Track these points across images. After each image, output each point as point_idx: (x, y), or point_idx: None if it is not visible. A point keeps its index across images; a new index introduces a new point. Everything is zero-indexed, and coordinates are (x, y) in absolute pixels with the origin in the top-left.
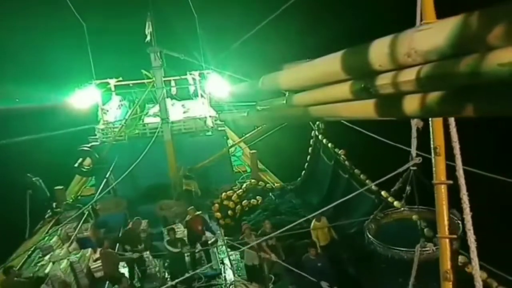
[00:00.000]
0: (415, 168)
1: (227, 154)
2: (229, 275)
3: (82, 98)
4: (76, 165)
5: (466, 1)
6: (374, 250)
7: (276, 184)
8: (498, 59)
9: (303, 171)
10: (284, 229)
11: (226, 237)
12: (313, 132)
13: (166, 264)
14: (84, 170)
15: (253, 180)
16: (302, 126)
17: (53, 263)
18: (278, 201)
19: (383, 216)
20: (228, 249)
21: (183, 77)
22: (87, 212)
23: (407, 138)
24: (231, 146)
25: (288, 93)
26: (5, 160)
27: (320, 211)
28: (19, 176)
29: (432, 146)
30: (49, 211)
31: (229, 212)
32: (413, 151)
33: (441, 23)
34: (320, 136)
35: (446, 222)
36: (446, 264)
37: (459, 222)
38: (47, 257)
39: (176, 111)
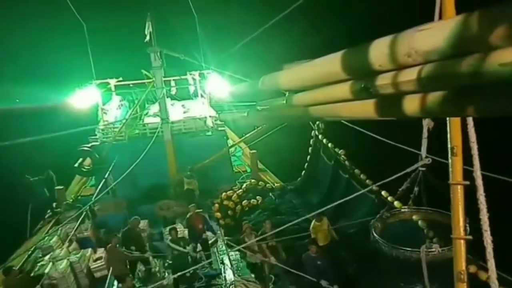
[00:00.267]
0: (424, 168)
1: (227, 154)
2: (229, 275)
3: (82, 98)
4: (76, 165)
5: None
6: (378, 249)
7: (276, 184)
8: (499, 59)
9: (303, 171)
10: (282, 227)
11: (226, 237)
12: (313, 132)
13: (166, 264)
14: (84, 170)
15: (253, 180)
16: (302, 126)
17: (53, 263)
18: (278, 201)
19: (390, 215)
20: (228, 249)
21: (183, 77)
22: (86, 212)
23: (407, 139)
24: (231, 146)
25: (288, 93)
26: (5, 160)
27: (320, 210)
28: (19, 176)
29: (449, 146)
30: (49, 211)
31: (229, 212)
32: (423, 151)
33: (442, 23)
34: (320, 136)
35: (461, 223)
36: (461, 265)
37: (467, 225)
38: (47, 257)
39: (176, 111)
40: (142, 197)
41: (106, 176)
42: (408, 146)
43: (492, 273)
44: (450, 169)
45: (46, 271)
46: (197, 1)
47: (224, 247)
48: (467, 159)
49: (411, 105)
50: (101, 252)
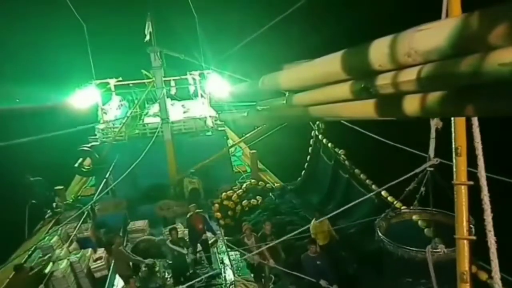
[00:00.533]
0: (432, 169)
1: (227, 154)
2: (229, 275)
3: (82, 98)
4: (76, 165)
5: None
6: (382, 248)
7: (276, 184)
8: (499, 59)
9: (303, 171)
10: (285, 237)
11: (226, 237)
12: (313, 132)
13: (166, 264)
14: (84, 170)
15: (253, 180)
16: (302, 126)
17: (53, 263)
18: (278, 201)
19: (395, 215)
20: (228, 249)
21: (183, 77)
22: (86, 212)
23: (407, 139)
24: (231, 146)
25: (288, 93)
26: (5, 160)
27: (324, 218)
28: (19, 176)
29: (453, 146)
30: (49, 211)
31: (229, 212)
32: (431, 151)
33: (441, 23)
34: (320, 136)
35: (465, 224)
36: (464, 265)
37: (472, 226)
38: (47, 257)
39: (176, 111)
40: (142, 197)
41: (106, 176)
42: (409, 147)
43: (495, 274)
44: (454, 169)
45: (46, 271)
46: (197, 1)
47: (224, 247)
48: (471, 160)
49: (411, 105)
50: (101, 252)
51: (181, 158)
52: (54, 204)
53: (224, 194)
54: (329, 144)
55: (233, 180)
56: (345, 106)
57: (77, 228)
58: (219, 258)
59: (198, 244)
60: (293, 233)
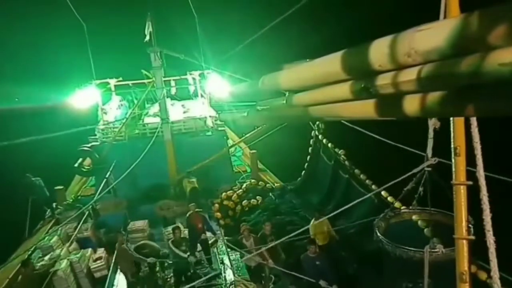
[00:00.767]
0: (430, 169)
1: (227, 154)
2: (229, 275)
3: (82, 98)
4: (76, 165)
5: None
6: (380, 248)
7: (276, 184)
8: (499, 59)
9: (303, 171)
10: (285, 238)
11: (226, 237)
12: (313, 132)
13: (166, 264)
14: (84, 170)
15: (253, 180)
16: (302, 126)
17: (53, 263)
18: (278, 201)
19: (393, 215)
20: (228, 249)
21: (183, 77)
22: (87, 212)
23: (407, 139)
24: (231, 146)
25: (288, 93)
26: (5, 160)
27: (324, 218)
28: (19, 176)
29: (452, 146)
30: (49, 211)
31: (229, 212)
32: (429, 151)
33: (441, 23)
34: (320, 136)
35: (464, 224)
36: (463, 265)
37: (471, 226)
38: (47, 257)
39: (176, 111)
40: (142, 197)
41: (106, 176)
42: (408, 146)
43: (494, 274)
44: (453, 169)
45: (47, 270)
46: (197, 1)
47: (224, 248)
48: (470, 159)
49: (411, 105)
50: (101, 252)
51: (181, 158)
52: (54, 204)
53: (224, 194)
54: (329, 144)
55: (233, 180)
56: (345, 106)
57: (77, 228)
58: (219, 258)
59: (198, 244)
60: (293, 234)
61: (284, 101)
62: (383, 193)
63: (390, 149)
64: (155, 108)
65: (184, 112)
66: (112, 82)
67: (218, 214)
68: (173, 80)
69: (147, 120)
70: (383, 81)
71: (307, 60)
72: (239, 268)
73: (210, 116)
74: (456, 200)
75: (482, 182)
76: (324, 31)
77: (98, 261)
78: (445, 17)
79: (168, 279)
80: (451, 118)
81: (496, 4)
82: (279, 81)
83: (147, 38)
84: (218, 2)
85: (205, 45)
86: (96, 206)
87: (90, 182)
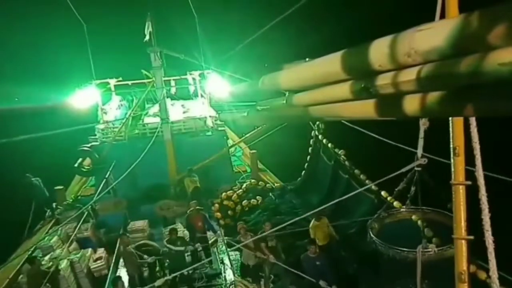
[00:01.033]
0: (419, 168)
1: (227, 154)
2: (229, 275)
3: (82, 98)
4: (76, 165)
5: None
6: (375, 249)
7: (276, 184)
8: (499, 59)
9: (303, 171)
10: (280, 226)
11: (226, 237)
12: (313, 132)
13: (166, 264)
14: (84, 170)
15: (253, 180)
16: (302, 126)
17: (53, 263)
18: (278, 201)
19: (387, 215)
20: (228, 249)
21: (183, 77)
22: (86, 212)
23: (408, 139)
24: (231, 146)
25: (288, 93)
26: (5, 160)
27: (318, 209)
28: (19, 176)
29: (451, 146)
30: (49, 211)
31: (229, 212)
32: (419, 151)
33: (441, 23)
34: (320, 136)
35: (463, 223)
36: (462, 265)
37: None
38: (47, 257)
39: (176, 111)
40: (142, 197)
41: (106, 176)
42: (408, 146)
43: (493, 274)
44: (452, 169)
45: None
46: (197, 1)
47: (224, 247)
48: (469, 159)
49: (411, 105)
50: (101, 252)
51: (181, 158)
52: (54, 204)
53: (224, 194)
54: (329, 144)
55: (233, 180)
56: (345, 106)
57: (77, 228)
58: (219, 258)
59: (198, 244)
60: (287, 223)
61: (284, 101)
62: (383, 193)
63: (390, 149)
64: (155, 108)
65: (184, 112)
66: (112, 82)
67: (218, 214)
68: (173, 80)
69: (147, 120)
70: (383, 81)
71: (307, 60)
72: (239, 268)
73: (210, 116)
74: (455, 200)
75: (481, 182)
76: (324, 31)
77: (98, 261)
78: (441, 17)
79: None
80: (450, 118)
81: (496, 4)
82: (279, 81)
83: (147, 38)
84: (218, 2)
85: (205, 45)
86: (95, 206)
87: (90, 182)
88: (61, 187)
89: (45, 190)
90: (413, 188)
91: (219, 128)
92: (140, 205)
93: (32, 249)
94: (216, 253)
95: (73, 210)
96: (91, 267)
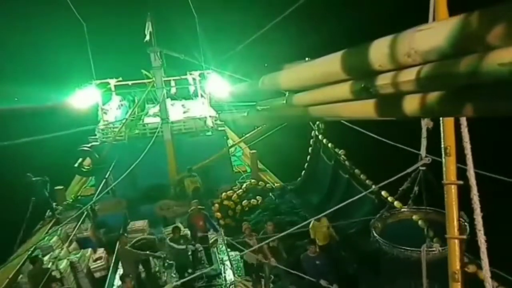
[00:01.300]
0: (424, 168)
1: (227, 154)
2: (229, 275)
3: (82, 98)
4: (76, 165)
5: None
6: (377, 249)
7: (276, 184)
8: (498, 59)
9: (303, 171)
10: (285, 232)
11: (226, 237)
12: (313, 132)
13: (166, 264)
14: (84, 170)
15: (253, 180)
16: (302, 126)
17: (53, 263)
18: (278, 201)
19: (390, 215)
20: (228, 249)
21: (183, 77)
22: (86, 212)
23: (407, 139)
24: (231, 146)
25: (288, 93)
26: (5, 160)
27: (322, 214)
28: (20, 176)
29: (442, 146)
30: (49, 211)
31: (229, 212)
32: (423, 151)
33: (441, 23)
34: (320, 136)
35: (455, 223)
36: (455, 264)
37: (466, 224)
38: (47, 257)
39: (176, 111)
40: (142, 197)
41: (106, 176)
42: (408, 146)
43: (486, 272)
44: (444, 169)
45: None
46: (197, 1)
47: (224, 247)
48: (462, 159)
49: (411, 105)
50: (101, 252)
51: (181, 158)
52: (54, 204)
53: (224, 194)
54: (329, 144)
55: (233, 180)
56: (345, 106)
57: (77, 228)
58: (219, 258)
59: (199, 244)
60: (294, 228)
61: (284, 101)
62: (383, 193)
63: (390, 149)
64: (155, 108)
65: (184, 112)
66: (112, 82)
67: (218, 214)
68: (173, 80)
69: (147, 120)
70: (383, 81)
71: (307, 60)
72: (239, 268)
73: (210, 116)
74: (447, 200)
75: (473, 182)
76: (323, 30)
77: (98, 261)
78: (434, 19)
79: (173, 276)
80: (441, 118)
81: (496, 4)
82: (279, 81)
83: (147, 38)
84: (218, 2)
85: (205, 45)
86: (95, 206)
87: (90, 182)
88: (61, 187)
89: (45, 190)
90: (416, 188)
91: (219, 128)
92: (140, 205)
93: (32, 249)
94: (216, 253)
95: (73, 210)
96: (91, 267)
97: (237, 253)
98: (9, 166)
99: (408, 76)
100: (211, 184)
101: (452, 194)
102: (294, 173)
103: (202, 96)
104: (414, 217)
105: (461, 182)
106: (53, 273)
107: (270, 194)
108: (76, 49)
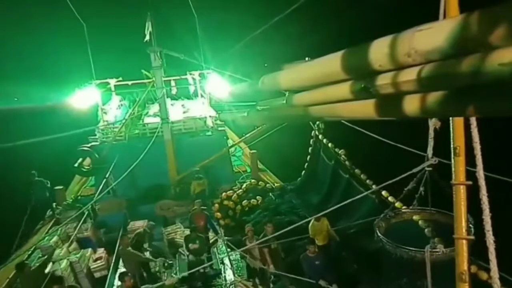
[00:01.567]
0: (430, 168)
1: (227, 154)
2: (229, 275)
3: (82, 98)
4: (76, 165)
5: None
6: (381, 248)
7: (276, 184)
8: (499, 59)
9: (303, 171)
10: (283, 230)
11: (226, 237)
12: (313, 132)
13: (166, 264)
14: (84, 170)
15: (253, 180)
16: (302, 126)
17: (53, 263)
18: (278, 201)
19: (394, 215)
20: (228, 249)
21: (183, 77)
22: (86, 212)
23: (408, 138)
24: (231, 146)
25: (288, 93)
26: (5, 160)
27: (322, 213)
28: (20, 175)
29: (452, 146)
30: (49, 211)
31: (229, 212)
32: (430, 151)
33: (442, 23)
34: (320, 136)
35: (463, 223)
36: (462, 265)
37: (471, 225)
38: (47, 257)
39: (176, 111)
40: (142, 197)
41: (106, 176)
42: (408, 146)
43: (494, 274)
44: (453, 169)
45: (46, 271)
46: (197, 1)
47: (224, 247)
48: (471, 159)
49: (411, 105)
50: (101, 252)
51: (181, 158)
52: (54, 204)
53: (224, 194)
54: (329, 144)
55: (233, 180)
56: (345, 106)
57: (77, 228)
58: (219, 258)
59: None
60: (292, 226)
61: (284, 101)
62: (383, 193)
63: (390, 149)
64: (155, 108)
65: (184, 112)
66: (112, 82)
67: (218, 214)
68: (173, 80)
69: (147, 120)
70: (383, 81)
71: (307, 60)
72: (239, 268)
73: (210, 116)
74: (455, 200)
75: (482, 182)
76: (323, 30)
77: (98, 261)
78: (444, 17)
79: (173, 275)
80: (451, 118)
81: (496, 4)
82: (279, 81)
83: (147, 38)
84: (218, 2)
85: (205, 45)
86: (95, 206)
87: (90, 182)
88: (61, 187)
89: (46, 190)
90: (421, 189)
91: (219, 128)
92: (140, 205)
93: (32, 249)
94: (216, 253)
95: (73, 210)
96: (91, 267)
97: (237, 253)
98: (9, 166)
99: (408, 76)
100: (211, 184)
101: (461, 195)
102: (294, 173)
103: (202, 96)
104: (418, 217)
105: (470, 182)
106: (51, 274)
107: (270, 194)
108: (76, 49)
